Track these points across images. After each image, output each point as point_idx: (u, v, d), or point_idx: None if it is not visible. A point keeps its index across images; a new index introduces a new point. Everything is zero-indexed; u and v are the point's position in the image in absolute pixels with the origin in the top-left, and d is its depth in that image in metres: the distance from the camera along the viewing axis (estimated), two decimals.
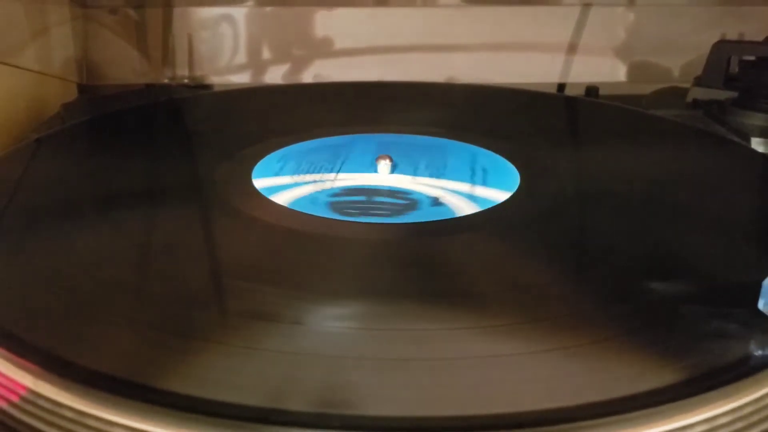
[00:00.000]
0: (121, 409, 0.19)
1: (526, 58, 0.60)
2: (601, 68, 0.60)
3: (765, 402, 0.20)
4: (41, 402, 0.20)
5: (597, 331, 0.22)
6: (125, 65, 0.58)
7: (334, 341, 0.22)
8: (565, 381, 0.20)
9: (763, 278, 0.22)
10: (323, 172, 0.35)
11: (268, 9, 0.58)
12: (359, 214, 0.30)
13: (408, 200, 0.32)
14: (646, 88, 0.53)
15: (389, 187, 0.34)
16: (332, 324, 0.23)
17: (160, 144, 0.40)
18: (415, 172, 0.35)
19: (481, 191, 0.33)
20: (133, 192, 0.34)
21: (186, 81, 0.56)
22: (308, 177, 0.34)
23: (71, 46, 0.55)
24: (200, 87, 0.55)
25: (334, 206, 0.31)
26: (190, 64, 0.57)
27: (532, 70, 0.60)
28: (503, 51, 0.60)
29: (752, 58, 0.47)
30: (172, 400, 0.19)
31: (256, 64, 0.59)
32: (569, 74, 0.60)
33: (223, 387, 0.20)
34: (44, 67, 0.50)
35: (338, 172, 0.35)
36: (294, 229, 0.29)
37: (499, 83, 0.55)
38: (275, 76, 0.59)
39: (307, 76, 0.59)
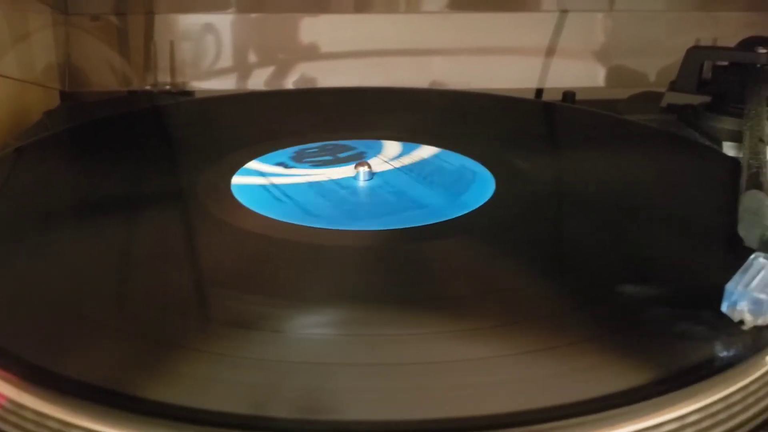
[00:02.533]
0: (104, 418, 0.19)
1: (506, 64, 0.61)
2: (579, 73, 0.61)
3: (732, 400, 0.21)
4: (23, 412, 0.20)
5: (570, 334, 0.23)
6: (108, 72, 0.58)
7: (315, 348, 0.22)
8: (539, 382, 0.21)
9: (726, 281, 0.23)
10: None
11: (252, 15, 0.59)
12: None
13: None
14: (625, 93, 0.53)
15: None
16: (313, 331, 0.23)
17: (141, 152, 0.41)
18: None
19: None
20: (113, 200, 0.34)
21: (168, 87, 0.56)
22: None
23: (53, 53, 0.55)
24: (182, 93, 0.55)
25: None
26: (172, 71, 0.57)
27: (512, 75, 0.60)
28: (484, 56, 0.61)
29: (726, 63, 0.48)
30: (156, 408, 0.19)
31: (238, 70, 0.59)
32: (547, 79, 0.60)
33: (207, 395, 0.20)
34: (26, 74, 0.50)
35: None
36: (274, 237, 0.29)
37: (479, 88, 0.56)
38: (258, 81, 0.60)
39: (290, 82, 0.60)
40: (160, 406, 0.19)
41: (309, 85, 0.59)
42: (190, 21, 0.58)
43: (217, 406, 0.19)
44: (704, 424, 0.20)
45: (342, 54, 0.60)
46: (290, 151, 0.40)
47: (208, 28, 0.58)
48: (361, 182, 0.35)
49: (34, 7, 0.52)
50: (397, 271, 0.27)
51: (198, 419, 0.19)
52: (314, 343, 0.23)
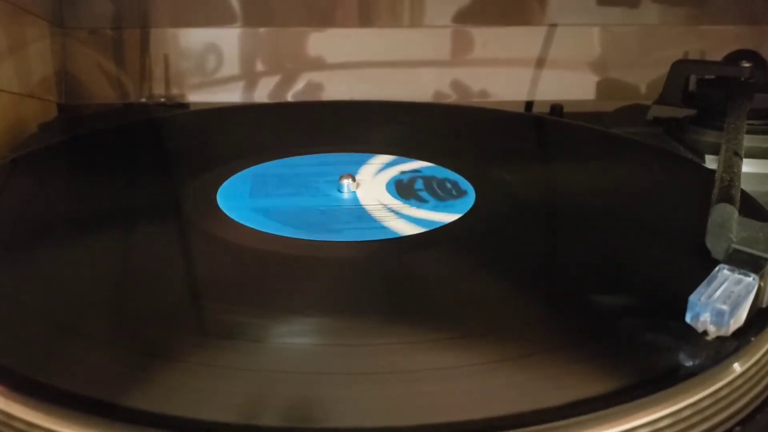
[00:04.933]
0: (92, 427, 0.20)
1: (500, 76, 0.62)
2: (570, 86, 0.62)
3: (701, 406, 0.21)
4: (12, 422, 0.21)
5: (544, 342, 0.24)
6: (105, 85, 0.58)
7: (301, 358, 0.23)
8: (513, 390, 0.21)
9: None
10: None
11: (250, 30, 0.60)
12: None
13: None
14: (615, 106, 0.54)
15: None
16: (298, 341, 0.24)
17: (134, 165, 0.41)
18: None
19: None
20: (103, 213, 0.34)
21: (163, 100, 0.57)
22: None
23: (50, 66, 0.56)
24: (177, 106, 0.56)
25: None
26: (167, 84, 0.58)
27: (505, 88, 0.61)
28: (480, 69, 0.62)
29: (712, 76, 0.49)
30: (144, 418, 0.20)
31: (243, 82, 0.60)
32: (538, 92, 0.61)
33: (196, 405, 0.20)
34: (23, 87, 0.51)
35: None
36: (259, 249, 0.30)
37: (474, 101, 0.56)
38: (262, 94, 0.60)
39: (293, 95, 0.61)
40: (148, 415, 0.20)
41: (313, 98, 0.60)
42: (187, 35, 0.59)
43: (206, 415, 0.20)
44: (676, 428, 0.21)
45: (337, 65, 0.61)
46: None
47: (205, 41, 0.59)
48: (345, 194, 0.35)
49: (30, 21, 0.53)
50: (378, 283, 0.28)
51: (187, 429, 0.20)
52: (300, 353, 0.23)
